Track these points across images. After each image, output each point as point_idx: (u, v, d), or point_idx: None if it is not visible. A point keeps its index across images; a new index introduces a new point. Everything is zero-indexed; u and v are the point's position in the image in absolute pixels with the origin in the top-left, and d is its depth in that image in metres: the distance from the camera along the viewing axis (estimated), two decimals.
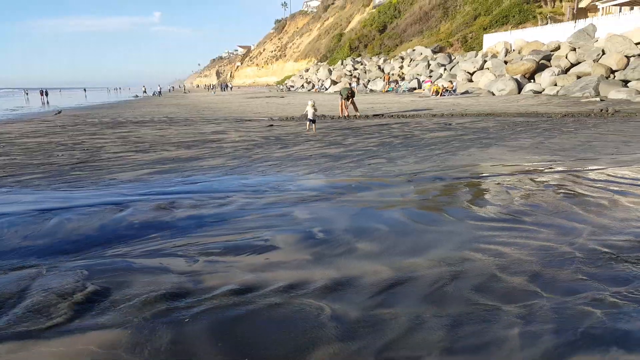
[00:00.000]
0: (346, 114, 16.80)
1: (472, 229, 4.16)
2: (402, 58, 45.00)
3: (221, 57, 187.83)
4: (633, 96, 19.46)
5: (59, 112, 24.86)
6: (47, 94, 45.23)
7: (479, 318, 2.59)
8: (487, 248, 3.67)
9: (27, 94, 61.51)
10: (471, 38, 41.59)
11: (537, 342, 2.36)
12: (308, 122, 12.11)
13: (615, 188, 5.49)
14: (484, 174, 6.50)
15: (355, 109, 17.14)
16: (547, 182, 5.87)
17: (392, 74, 42.19)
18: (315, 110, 12.10)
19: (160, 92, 61.32)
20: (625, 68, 22.54)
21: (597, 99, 19.98)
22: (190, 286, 3.13)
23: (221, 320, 2.66)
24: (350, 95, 16.83)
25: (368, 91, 38.99)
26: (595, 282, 3.01)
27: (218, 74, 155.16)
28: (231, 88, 77.53)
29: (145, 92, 61.72)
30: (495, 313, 2.64)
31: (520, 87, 25.70)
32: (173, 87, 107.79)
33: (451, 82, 29.64)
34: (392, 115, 16.72)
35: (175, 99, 44.10)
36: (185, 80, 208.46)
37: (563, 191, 5.40)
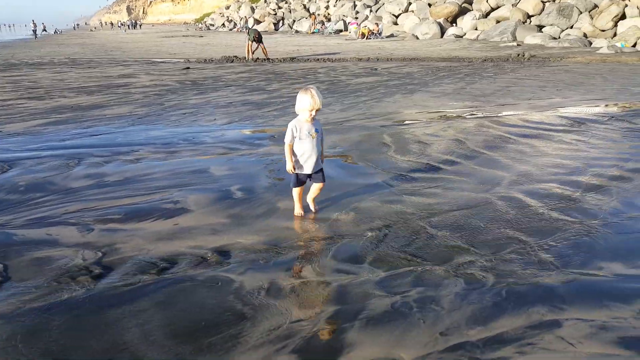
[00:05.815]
0: (252, 56, 15.98)
1: (398, 180, 4.02)
2: None
3: None
4: (547, 41, 20.41)
5: None
6: None
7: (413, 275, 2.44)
8: (412, 201, 3.55)
9: None
10: None
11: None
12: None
13: (534, 132, 5.64)
14: (407, 122, 6.40)
15: (264, 52, 16.30)
16: (469, 129, 5.89)
17: (318, 14, 40.71)
18: None
19: (35, 30, 40.96)
20: (540, 13, 23.44)
21: (514, 43, 20.75)
22: (81, 263, 2.67)
23: (111, 308, 2.27)
24: (257, 38, 15.90)
25: (294, 32, 37.43)
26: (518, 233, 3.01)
27: (129, 10, 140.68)
28: (140, 26, 69.79)
29: (37, 29, 42.25)
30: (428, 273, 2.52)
31: (443, 31, 25.97)
32: (77, 25, 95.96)
33: (377, 24, 29.17)
34: (318, 59, 16.14)
35: (80, 37, 39.39)
36: (92, 17, 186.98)
37: (484, 138, 5.44)
